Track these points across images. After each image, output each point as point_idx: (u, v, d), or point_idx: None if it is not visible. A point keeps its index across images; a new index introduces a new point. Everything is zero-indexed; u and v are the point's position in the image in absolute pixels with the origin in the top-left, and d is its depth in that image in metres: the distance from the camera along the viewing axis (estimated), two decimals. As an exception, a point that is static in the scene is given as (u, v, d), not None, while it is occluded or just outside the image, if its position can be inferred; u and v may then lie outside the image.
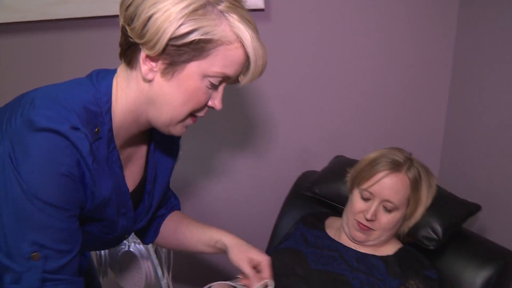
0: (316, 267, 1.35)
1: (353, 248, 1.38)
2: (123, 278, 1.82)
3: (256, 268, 1.16)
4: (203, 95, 0.92)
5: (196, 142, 1.84)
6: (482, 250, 1.39)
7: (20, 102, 0.86)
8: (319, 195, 1.61)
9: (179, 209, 1.35)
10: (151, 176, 1.12)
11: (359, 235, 1.36)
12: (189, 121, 0.96)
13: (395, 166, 1.32)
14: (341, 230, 1.45)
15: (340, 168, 1.59)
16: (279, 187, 1.87)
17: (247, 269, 1.15)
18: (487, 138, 1.63)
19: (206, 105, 0.95)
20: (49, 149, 0.80)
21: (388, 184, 1.31)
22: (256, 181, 1.96)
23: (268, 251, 1.69)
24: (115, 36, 0.94)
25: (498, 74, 1.55)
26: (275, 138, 1.90)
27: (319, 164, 1.77)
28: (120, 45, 0.93)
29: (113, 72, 0.96)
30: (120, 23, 0.90)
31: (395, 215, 1.32)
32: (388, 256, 1.35)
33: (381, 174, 1.32)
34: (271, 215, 1.81)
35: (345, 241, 1.41)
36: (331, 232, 1.47)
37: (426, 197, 1.36)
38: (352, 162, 1.51)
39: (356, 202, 1.36)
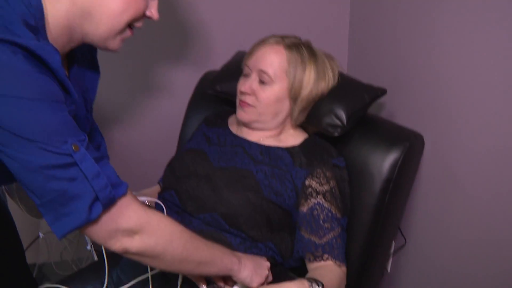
0: (218, 165, 1.27)
1: (257, 141, 1.31)
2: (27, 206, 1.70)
3: None
4: (142, 2, 0.91)
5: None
6: (389, 133, 1.35)
7: None
8: (220, 92, 1.50)
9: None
10: (81, 100, 1.02)
11: (242, 114, 1.30)
12: (127, 33, 0.93)
13: (275, 41, 1.29)
14: (242, 126, 1.36)
15: (241, 63, 1.48)
16: (182, 91, 1.75)
17: None
18: (391, 23, 1.57)
19: (144, 14, 0.93)
20: (11, 56, 0.73)
21: (263, 54, 1.27)
22: (159, 87, 1.82)
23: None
24: None
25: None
26: (174, 39, 1.75)
27: (222, 62, 1.65)
28: None
29: None
30: None
31: (273, 90, 1.25)
32: (293, 147, 1.28)
33: (259, 47, 1.29)
34: (178, 120, 1.71)
35: (249, 135, 1.33)
36: (234, 128, 1.38)
37: (313, 81, 1.27)
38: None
39: (239, 82, 1.31)
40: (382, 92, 1.39)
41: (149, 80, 1.83)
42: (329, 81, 1.31)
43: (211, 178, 1.24)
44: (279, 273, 1.26)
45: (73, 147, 0.79)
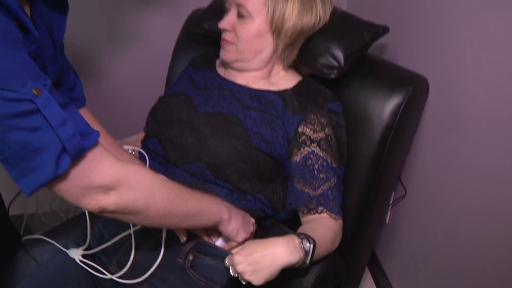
0: (204, 110, 1.16)
1: (246, 85, 1.20)
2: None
3: None
4: None
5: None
6: (390, 76, 1.23)
7: None
8: (208, 31, 1.38)
9: (84, 104, 1.15)
10: (48, 39, 0.94)
11: (223, 53, 1.19)
12: None
13: None
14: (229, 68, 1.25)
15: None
16: (170, 30, 1.62)
17: None
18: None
19: None
20: None
21: None
22: (144, 25, 1.71)
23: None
24: None
25: None
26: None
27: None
28: None
29: None
30: None
31: (252, 24, 1.13)
32: (285, 91, 1.17)
33: None
34: (166, 61, 1.59)
35: (237, 78, 1.22)
36: (222, 70, 1.27)
37: (297, 13, 1.13)
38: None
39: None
40: (384, 30, 1.26)
41: (132, 18, 1.70)
42: (317, 14, 1.17)
43: (195, 125, 1.13)
44: (270, 226, 1.19)
45: (34, 91, 0.70)
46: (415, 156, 1.41)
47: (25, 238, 1.24)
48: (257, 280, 0.94)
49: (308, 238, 0.98)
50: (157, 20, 1.71)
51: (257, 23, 1.13)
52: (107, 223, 1.16)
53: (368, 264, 1.82)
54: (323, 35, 1.20)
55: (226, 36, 1.16)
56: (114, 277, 1.04)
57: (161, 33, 1.72)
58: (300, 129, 1.12)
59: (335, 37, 1.20)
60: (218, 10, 1.36)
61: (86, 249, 1.12)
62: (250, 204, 1.12)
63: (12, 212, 2.11)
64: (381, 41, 1.29)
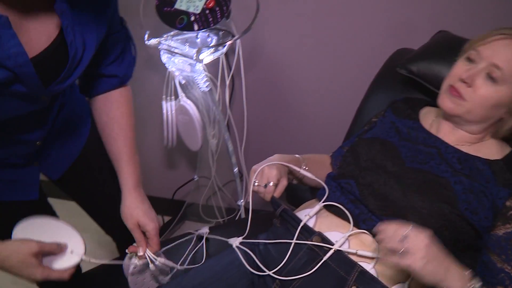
0: (411, 165, 1.12)
1: (454, 145, 1.14)
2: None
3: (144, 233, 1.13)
4: None
5: None
6: None
7: None
8: (415, 74, 1.35)
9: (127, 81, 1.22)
10: (70, 29, 0.94)
11: (447, 103, 1.12)
12: None
13: None
14: (439, 122, 1.19)
15: (444, 45, 1.33)
16: (368, 66, 1.61)
17: (134, 232, 1.13)
18: None
19: None
20: None
21: (503, 46, 1.06)
22: (342, 56, 1.71)
23: (348, 137, 1.49)
24: None
25: None
26: (367, 9, 1.62)
27: (418, 41, 1.47)
28: None
29: None
30: None
31: (497, 90, 1.06)
32: (497, 162, 1.10)
33: (497, 37, 1.08)
34: (357, 96, 1.58)
35: (446, 136, 1.17)
36: (427, 124, 1.22)
37: None
38: (459, 40, 1.24)
39: (458, 65, 1.13)
40: None
41: (330, 45, 1.71)
42: None
43: (402, 178, 1.09)
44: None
45: None
46: None
47: (196, 232, 1.34)
48: (420, 266, 0.86)
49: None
50: (354, 56, 1.72)
51: (504, 92, 1.07)
52: (273, 235, 1.15)
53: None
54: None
55: (461, 88, 1.09)
56: (270, 273, 1.03)
57: (358, 71, 1.71)
58: (508, 203, 1.04)
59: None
60: (430, 55, 1.35)
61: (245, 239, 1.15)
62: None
63: (176, 197, 2.28)
64: None
